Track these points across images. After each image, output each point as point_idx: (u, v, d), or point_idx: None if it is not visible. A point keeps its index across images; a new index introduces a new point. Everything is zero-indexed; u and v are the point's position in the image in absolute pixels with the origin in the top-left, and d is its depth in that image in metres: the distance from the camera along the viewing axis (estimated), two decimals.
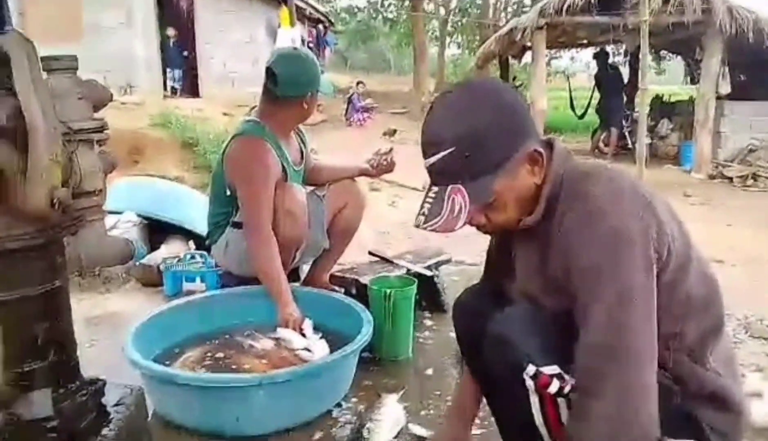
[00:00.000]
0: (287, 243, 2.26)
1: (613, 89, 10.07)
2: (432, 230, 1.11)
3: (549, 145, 1.19)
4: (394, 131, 10.37)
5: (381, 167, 2.58)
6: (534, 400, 1.13)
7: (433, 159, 1.11)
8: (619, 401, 1.00)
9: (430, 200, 1.12)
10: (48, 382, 1.07)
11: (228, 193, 2.30)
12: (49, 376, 1.07)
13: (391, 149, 2.64)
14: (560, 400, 1.11)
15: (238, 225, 2.31)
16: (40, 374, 1.06)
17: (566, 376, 1.09)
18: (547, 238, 1.13)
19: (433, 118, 1.15)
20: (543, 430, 1.15)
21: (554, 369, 1.10)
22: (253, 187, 2.21)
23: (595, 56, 10.67)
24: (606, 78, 10.15)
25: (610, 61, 10.70)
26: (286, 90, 2.25)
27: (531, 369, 1.10)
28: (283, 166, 2.30)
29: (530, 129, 1.13)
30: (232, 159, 2.27)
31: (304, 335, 2.01)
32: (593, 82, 10.81)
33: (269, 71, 2.25)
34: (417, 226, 1.13)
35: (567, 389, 1.09)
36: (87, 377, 1.18)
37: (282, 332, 2.03)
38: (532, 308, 1.20)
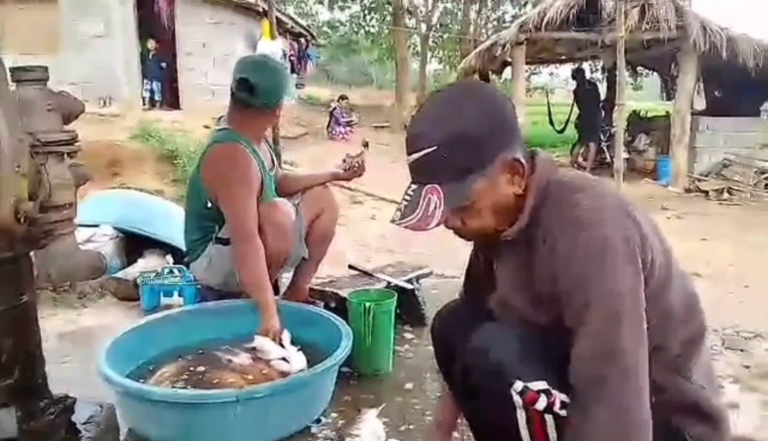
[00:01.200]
0: (277, 257, 2.24)
1: (591, 105, 10.25)
2: (405, 227, 1.11)
3: (533, 157, 1.18)
4: (367, 143, 10.47)
5: (352, 170, 2.58)
6: (521, 416, 1.11)
7: (414, 156, 1.11)
8: (620, 404, 1.00)
9: (408, 197, 1.12)
10: (14, 400, 1.03)
11: (209, 205, 2.26)
12: (15, 394, 1.03)
13: (361, 152, 2.66)
14: (547, 416, 1.10)
15: (222, 241, 2.27)
16: (5, 392, 1.02)
17: (554, 392, 1.08)
18: (531, 249, 1.12)
19: (420, 115, 1.15)
20: None
21: (542, 384, 1.09)
22: (238, 192, 2.17)
23: (574, 73, 10.86)
24: (584, 94, 10.33)
25: (587, 77, 10.89)
26: (265, 99, 2.25)
27: (518, 385, 1.09)
28: (261, 172, 2.29)
29: (515, 138, 1.13)
30: (212, 167, 2.24)
31: (282, 346, 1.98)
32: (573, 98, 10.98)
33: (244, 81, 2.23)
34: (392, 222, 1.13)
35: (557, 406, 1.08)
36: (56, 395, 1.15)
37: (259, 341, 2.00)
38: (516, 323, 1.19)
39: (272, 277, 2.27)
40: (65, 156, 1.11)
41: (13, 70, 1.05)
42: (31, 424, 1.05)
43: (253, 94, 2.23)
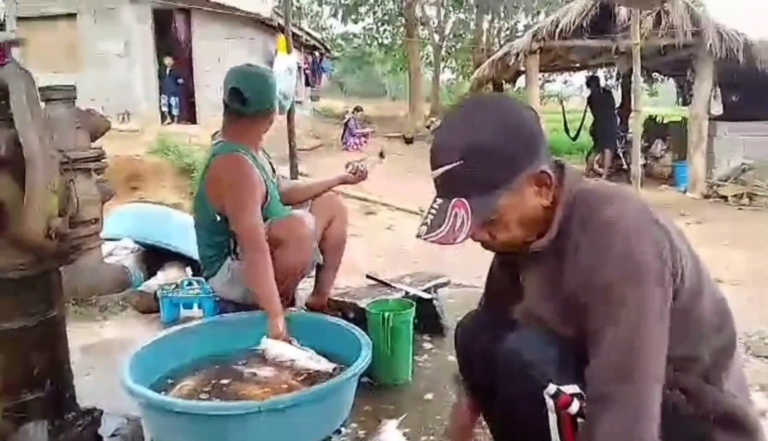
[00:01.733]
0: (298, 269, 2.27)
1: (606, 112, 10.21)
2: (433, 242, 1.10)
3: (560, 167, 1.18)
4: (382, 153, 10.53)
5: (359, 173, 2.63)
6: (552, 419, 1.11)
7: (439, 170, 1.10)
8: (630, 419, 1.00)
9: (434, 211, 1.11)
10: (44, 414, 1.06)
11: (217, 219, 2.28)
12: (46, 407, 1.06)
13: (365, 158, 2.72)
14: (581, 421, 1.09)
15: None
16: (37, 405, 1.04)
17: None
18: (561, 261, 1.12)
19: (444, 129, 1.15)
20: None
21: (574, 388, 1.09)
22: (243, 198, 2.20)
23: (588, 81, 10.83)
24: (598, 101, 10.29)
25: (602, 84, 10.85)
26: (255, 106, 2.29)
27: (552, 388, 1.09)
28: (264, 180, 2.32)
29: (541, 150, 1.12)
30: (216, 179, 2.27)
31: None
32: (586, 105, 10.94)
33: (233, 91, 2.27)
34: (418, 237, 1.12)
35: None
36: (83, 407, 1.17)
37: (268, 343, 2.01)
38: (546, 328, 1.18)
39: (291, 288, 2.29)
40: (93, 172, 1.14)
41: (42, 89, 1.08)
42: (61, 437, 1.07)
43: (245, 103, 2.27)
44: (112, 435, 1.20)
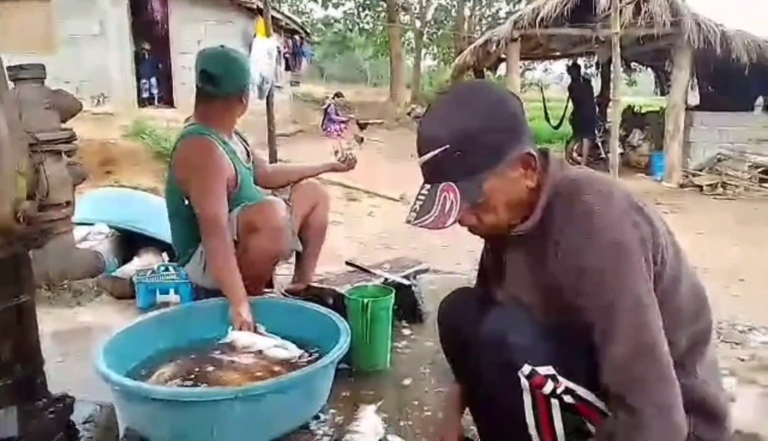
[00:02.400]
0: (271, 257, 2.25)
1: (585, 100, 10.30)
2: (422, 227, 1.11)
3: (544, 154, 1.19)
4: (362, 139, 10.56)
5: (349, 160, 2.62)
6: (527, 399, 1.13)
7: (426, 156, 1.12)
8: (664, 405, 1.02)
9: (422, 197, 1.13)
10: (13, 400, 1.03)
11: (186, 203, 2.25)
12: (15, 394, 1.03)
13: (351, 146, 2.72)
14: (554, 401, 1.11)
15: None
16: (5, 392, 1.02)
17: (560, 378, 1.10)
18: (543, 245, 1.13)
19: (429, 116, 1.16)
20: (533, 432, 1.15)
21: (549, 370, 1.10)
22: (205, 182, 2.18)
23: (569, 69, 10.89)
24: (578, 89, 10.37)
25: (582, 73, 10.92)
26: (227, 88, 2.26)
27: (526, 368, 1.10)
28: (234, 164, 2.29)
29: (525, 134, 1.14)
30: (182, 162, 2.25)
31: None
32: (568, 94, 11.02)
33: (204, 73, 2.24)
34: (408, 223, 1.14)
35: (560, 390, 1.10)
36: (55, 394, 1.15)
37: (234, 335, 2.00)
38: (526, 310, 1.20)
39: (265, 274, 2.27)
40: (63, 154, 1.11)
41: (10, 68, 1.04)
42: (32, 424, 1.05)
43: (216, 85, 2.24)
44: (85, 422, 1.17)
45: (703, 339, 1.17)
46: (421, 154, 1.13)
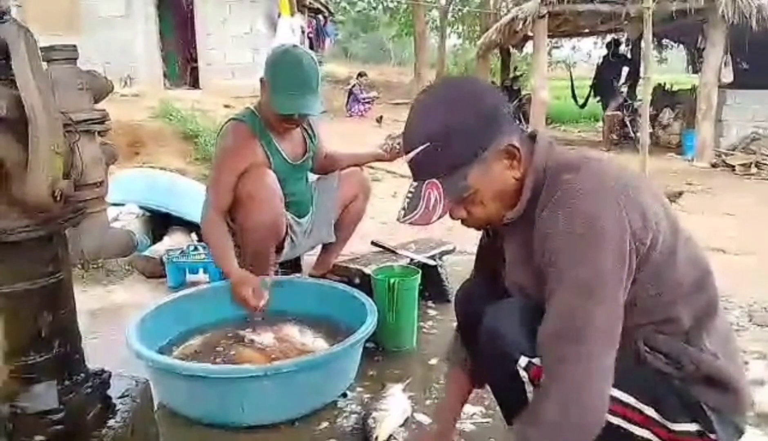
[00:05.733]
0: (256, 228, 2.19)
1: (612, 74, 10.14)
2: (410, 224, 1.15)
3: (532, 138, 1.19)
4: (380, 118, 10.52)
5: (395, 151, 2.58)
6: (530, 390, 1.15)
7: (409, 155, 1.14)
8: (571, 385, 1.02)
9: (410, 195, 1.16)
10: (53, 375, 1.06)
11: None
12: (54, 369, 1.06)
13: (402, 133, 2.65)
14: None
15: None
16: (45, 366, 1.05)
17: None
18: (530, 229, 1.14)
19: (411, 116, 1.18)
20: None
21: None
22: (216, 168, 2.25)
23: (608, 45, 10.73)
24: (611, 66, 10.20)
25: (622, 51, 10.77)
26: (264, 72, 2.25)
27: (523, 360, 1.13)
28: (268, 157, 2.28)
29: (505, 124, 1.14)
30: (217, 142, 2.33)
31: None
32: (596, 70, 10.87)
33: (266, 61, 2.25)
34: (398, 220, 1.17)
35: None
36: (92, 369, 1.18)
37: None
38: (524, 300, 1.21)
39: (263, 251, 2.26)
40: (97, 135, 1.12)
41: (43, 49, 1.05)
42: (70, 397, 1.08)
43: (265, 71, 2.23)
44: (121, 396, 1.20)
45: (708, 311, 1.16)
46: (405, 153, 1.16)
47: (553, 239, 1.06)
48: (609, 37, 11.43)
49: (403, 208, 1.16)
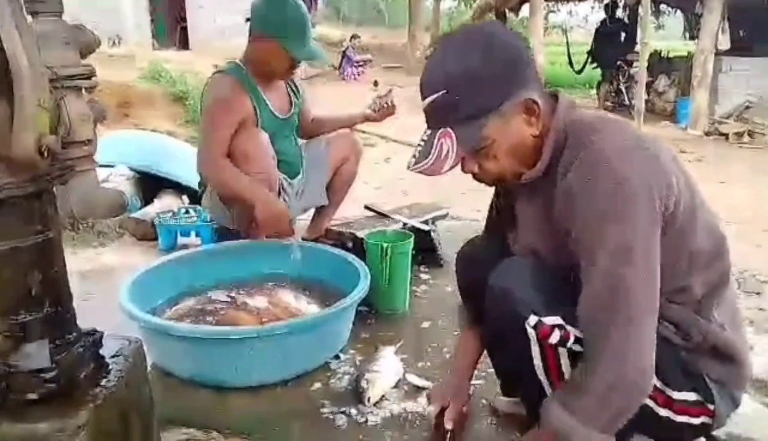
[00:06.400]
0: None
1: (614, 40, 10.03)
2: (419, 172, 1.11)
3: (554, 97, 1.16)
4: (377, 82, 10.37)
5: (383, 110, 2.55)
6: (535, 350, 1.13)
7: (426, 101, 1.10)
8: (619, 351, 1.01)
9: (422, 143, 1.12)
10: (44, 334, 1.05)
11: None
12: (46, 328, 1.05)
13: (390, 91, 2.62)
14: (561, 350, 1.11)
15: None
16: (36, 325, 1.04)
17: (568, 327, 1.09)
18: (551, 191, 1.11)
19: (431, 60, 1.13)
20: (544, 380, 1.16)
21: (556, 320, 1.10)
22: (209, 122, 2.19)
23: (606, 7, 10.61)
24: (609, 30, 10.10)
25: (620, 15, 10.64)
26: (256, 24, 2.21)
27: (533, 319, 1.10)
28: (256, 110, 2.25)
29: (529, 78, 1.10)
30: (203, 96, 2.28)
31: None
32: (594, 34, 10.73)
33: (260, 12, 2.21)
34: (407, 168, 1.13)
35: (571, 341, 1.10)
36: (84, 329, 1.17)
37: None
38: (534, 260, 1.19)
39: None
40: (84, 91, 1.09)
41: (27, 1, 1.01)
42: (62, 356, 1.07)
43: (251, 20, 2.20)
44: (113, 356, 1.20)
45: (720, 282, 1.15)
46: (422, 99, 1.11)
47: (583, 202, 1.03)
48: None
49: (414, 156, 1.12)
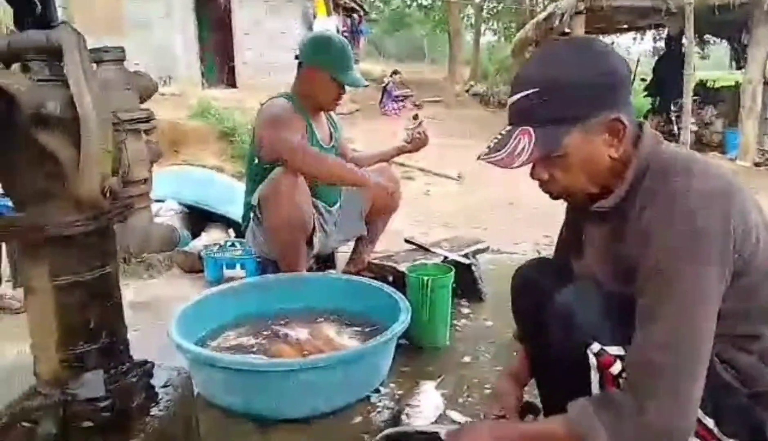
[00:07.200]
0: (294, 221, 2.29)
1: (676, 74, 9.92)
2: (489, 162, 1.11)
3: (639, 127, 1.14)
4: (417, 116, 10.46)
5: (416, 141, 2.62)
6: (594, 377, 1.11)
7: (514, 97, 1.11)
8: (671, 402, 0.99)
9: (499, 136, 1.13)
10: (100, 364, 1.11)
11: (256, 161, 2.37)
12: (101, 358, 1.11)
13: (421, 122, 2.70)
14: (623, 381, 1.09)
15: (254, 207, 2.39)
16: (93, 356, 1.09)
17: None
18: (623, 224, 1.10)
19: (529, 61, 1.16)
20: None
21: (619, 350, 1.08)
22: (275, 125, 2.26)
23: (666, 41, 10.56)
24: (670, 63, 10.00)
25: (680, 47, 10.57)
26: (305, 58, 2.37)
27: (596, 346, 1.09)
28: (307, 134, 2.37)
29: (622, 101, 1.09)
30: (258, 119, 2.37)
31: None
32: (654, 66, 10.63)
33: (308, 47, 2.39)
34: (478, 158, 1.14)
35: None
36: (136, 360, 1.22)
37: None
38: (600, 287, 1.17)
39: (295, 241, 2.33)
40: (142, 133, 1.16)
41: (92, 50, 1.10)
42: (116, 385, 1.12)
43: (301, 54, 2.37)
44: (164, 386, 1.25)
45: None
46: (511, 95, 1.12)
47: (657, 242, 1.01)
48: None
49: (488, 147, 1.13)
